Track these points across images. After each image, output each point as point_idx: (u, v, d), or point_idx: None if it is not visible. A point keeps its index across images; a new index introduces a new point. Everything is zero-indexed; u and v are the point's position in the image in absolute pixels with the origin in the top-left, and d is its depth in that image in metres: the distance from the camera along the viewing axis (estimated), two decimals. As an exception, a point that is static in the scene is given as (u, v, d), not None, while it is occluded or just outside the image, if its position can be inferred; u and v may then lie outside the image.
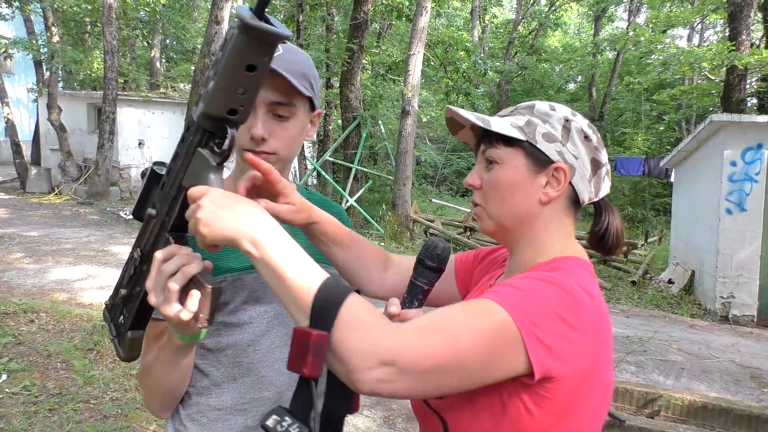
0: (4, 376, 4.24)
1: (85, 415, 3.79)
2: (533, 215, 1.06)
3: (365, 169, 15.27)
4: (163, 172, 0.97)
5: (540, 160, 1.04)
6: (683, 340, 6.59)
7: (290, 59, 1.16)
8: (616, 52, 26.07)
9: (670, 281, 9.58)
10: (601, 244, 1.11)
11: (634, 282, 9.47)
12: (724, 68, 14.51)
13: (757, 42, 18.18)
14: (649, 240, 14.10)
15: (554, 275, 0.94)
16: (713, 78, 17.06)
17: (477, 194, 1.10)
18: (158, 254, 0.91)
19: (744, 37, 14.37)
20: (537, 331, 0.86)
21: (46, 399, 3.98)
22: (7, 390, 4.05)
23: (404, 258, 1.30)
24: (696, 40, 28.63)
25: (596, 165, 1.06)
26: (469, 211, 13.29)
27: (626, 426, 3.58)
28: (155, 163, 1.00)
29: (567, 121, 1.05)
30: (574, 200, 1.08)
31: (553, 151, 1.04)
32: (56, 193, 15.29)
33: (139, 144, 16.53)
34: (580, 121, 1.06)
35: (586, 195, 1.07)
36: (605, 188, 1.09)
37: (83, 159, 16.48)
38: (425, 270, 1.12)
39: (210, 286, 0.88)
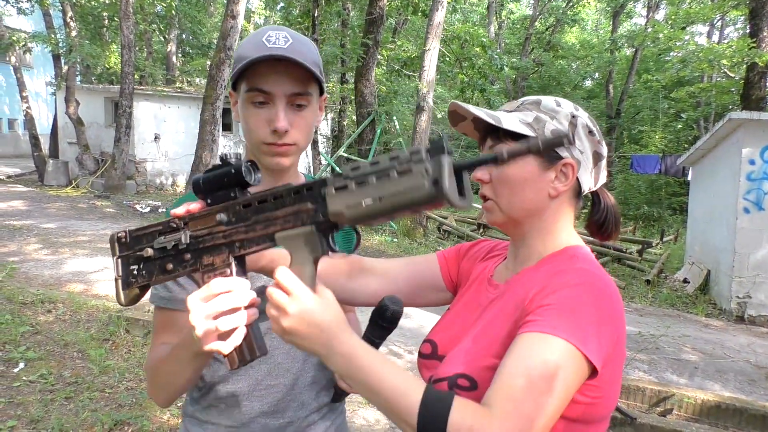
0: (21, 365, 4.31)
1: (100, 404, 3.85)
2: (542, 208, 1.10)
3: (379, 165, 15.27)
4: (251, 182, 0.92)
5: (550, 156, 1.07)
6: (698, 340, 6.54)
7: (302, 49, 1.16)
8: (634, 49, 25.79)
9: (685, 280, 9.49)
10: (601, 230, 1.16)
11: (648, 281, 9.40)
12: (744, 66, 14.31)
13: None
14: (664, 239, 13.98)
15: (577, 274, 0.99)
16: (733, 76, 16.84)
17: (486, 188, 1.14)
18: (217, 285, 0.88)
19: (765, 33, 14.16)
20: (590, 340, 0.91)
21: (62, 387, 4.04)
22: (24, 378, 4.11)
23: (378, 262, 1.30)
24: (716, 38, 28.27)
25: (597, 157, 1.10)
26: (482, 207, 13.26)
27: (638, 424, 3.56)
28: (228, 160, 0.93)
29: (573, 117, 1.08)
30: (577, 191, 1.12)
31: (562, 147, 1.06)
32: (73, 186, 15.46)
33: (155, 138, 16.67)
34: (584, 116, 1.10)
35: (587, 186, 1.12)
36: (603, 178, 1.14)
37: (100, 152, 16.66)
38: (376, 329, 1.20)
39: (256, 345, 0.91)
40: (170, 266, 0.96)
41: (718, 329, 7.28)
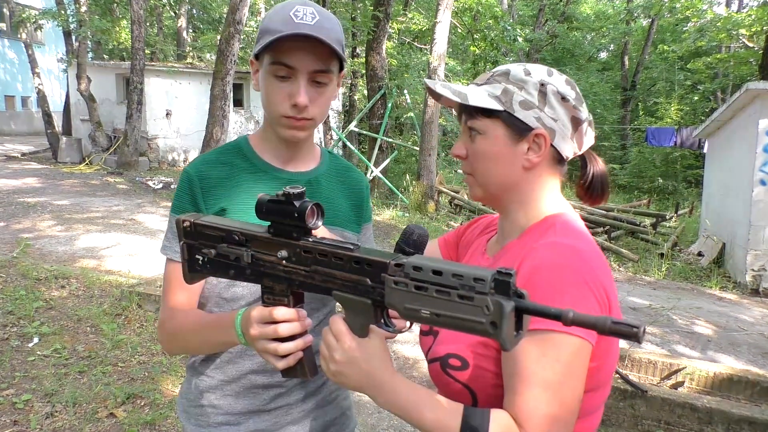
0: (36, 339, 4.37)
1: (113, 378, 3.90)
2: (519, 180, 1.09)
3: (390, 140, 15.20)
4: (311, 227, 0.94)
5: (519, 129, 1.05)
6: (711, 313, 6.49)
7: (327, 26, 1.19)
8: (650, 20, 25.28)
9: (699, 254, 9.41)
10: (587, 193, 1.14)
11: (662, 254, 9.33)
12: (764, 35, 13.98)
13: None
14: (679, 212, 13.83)
15: (549, 251, 0.97)
16: (752, 45, 16.47)
17: (464, 164, 1.13)
18: (280, 313, 0.99)
19: (785, 1, 13.81)
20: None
21: (76, 362, 4.09)
22: (38, 352, 4.17)
23: None
24: (735, 7, 27.59)
25: (576, 122, 1.07)
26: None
27: (649, 396, 3.55)
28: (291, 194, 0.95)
29: (543, 85, 1.05)
30: (559, 159, 1.10)
31: (532, 118, 1.04)
32: (87, 163, 15.55)
33: (167, 114, 16.66)
34: (557, 82, 1.06)
35: (570, 152, 1.09)
36: (588, 140, 1.11)
37: (113, 129, 16.70)
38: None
39: (308, 368, 1.03)
40: (232, 272, 1.02)
41: (732, 302, 7.21)
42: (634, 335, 0.67)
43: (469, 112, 1.09)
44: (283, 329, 0.99)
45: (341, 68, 1.29)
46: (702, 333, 5.75)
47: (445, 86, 1.09)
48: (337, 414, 1.45)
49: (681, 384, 3.99)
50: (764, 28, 13.61)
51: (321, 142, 17.49)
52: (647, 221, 11.10)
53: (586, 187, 1.14)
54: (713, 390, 3.95)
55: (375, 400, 0.96)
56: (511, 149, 1.06)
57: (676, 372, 4.02)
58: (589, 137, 1.11)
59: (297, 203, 0.93)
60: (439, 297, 0.76)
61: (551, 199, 1.11)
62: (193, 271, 1.06)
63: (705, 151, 11.68)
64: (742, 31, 15.03)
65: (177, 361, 4.16)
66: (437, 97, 1.12)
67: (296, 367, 1.03)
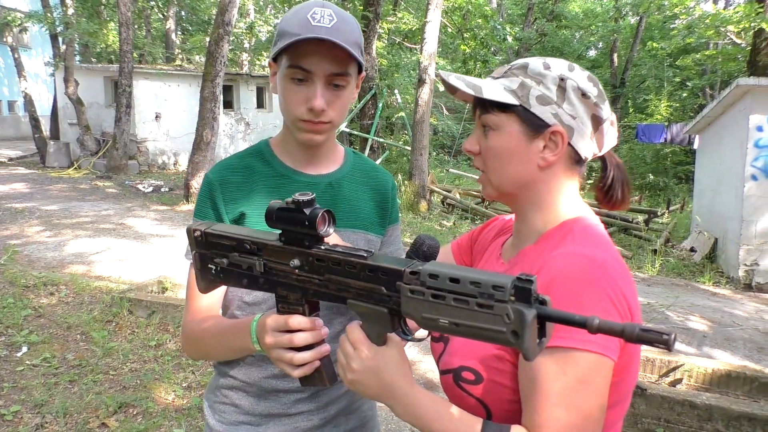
0: (24, 349, 4.29)
1: (104, 386, 3.83)
2: (534, 180, 1.03)
3: (382, 140, 15.16)
4: (322, 234, 0.92)
5: (535, 125, 0.99)
6: (705, 308, 6.49)
7: (345, 29, 1.18)
8: (638, 17, 25.38)
9: (692, 249, 9.42)
10: (606, 197, 1.08)
11: (655, 250, 9.33)
12: (751, 32, 14.05)
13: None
14: (670, 208, 13.88)
15: (568, 261, 0.92)
16: (739, 42, 16.55)
17: (477, 160, 1.08)
18: (296, 321, 0.98)
19: (773, -3, 13.88)
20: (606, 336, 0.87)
21: (66, 370, 4.02)
22: (27, 362, 4.10)
23: None
24: (722, 4, 27.75)
25: (597, 121, 1.01)
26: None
27: (648, 394, 3.52)
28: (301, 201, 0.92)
29: (562, 80, 0.99)
30: (577, 159, 1.04)
31: (549, 114, 0.99)
32: (75, 168, 15.40)
33: (156, 117, 16.55)
34: (578, 77, 1.00)
35: (589, 152, 1.04)
36: (609, 141, 1.05)
37: (101, 133, 16.55)
38: None
39: (326, 376, 1.03)
40: (245, 281, 1.01)
41: (726, 297, 7.22)
42: (664, 342, 0.63)
43: (483, 106, 1.03)
44: (299, 339, 0.98)
45: (360, 70, 1.27)
46: (697, 329, 5.74)
47: (459, 78, 1.04)
48: (360, 423, 1.43)
49: (679, 381, 3.97)
50: (752, 24, 13.66)
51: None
52: (640, 218, 11.11)
53: (605, 190, 1.08)
54: (712, 387, 3.93)
55: (393, 410, 0.93)
56: (526, 146, 1.01)
57: (674, 369, 4.01)
58: (611, 137, 1.05)
59: (307, 211, 0.90)
60: (458, 306, 0.73)
61: (569, 201, 1.05)
62: (206, 280, 1.06)
63: (695, 147, 11.70)
64: (730, 27, 15.07)
65: (170, 368, 4.10)
66: (453, 90, 1.07)
67: (314, 375, 1.02)
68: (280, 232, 0.95)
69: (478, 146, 1.06)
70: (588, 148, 1.03)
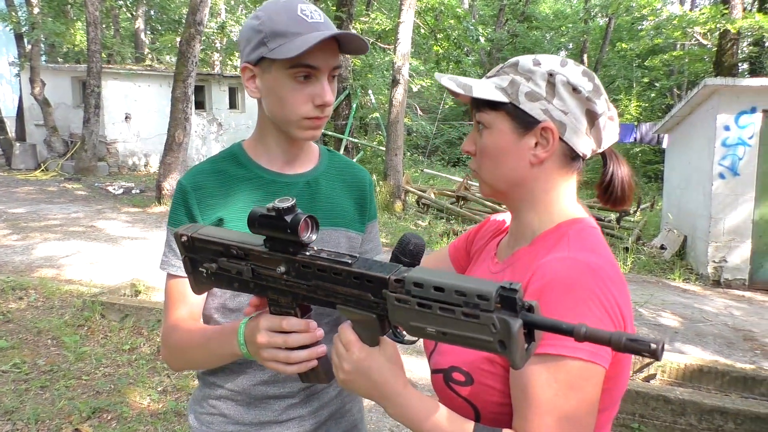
0: (-7, 354, 4.18)
1: (77, 392, 3.75)
2: (527, 178, 1.02)
3: (356, 140, 15.13)
4: (305, 242, 0.90)
5: (525, 122, 0.99)
6: (676, 305, 6.61)
7: (328, 22, 1.19)
8: (607, 18, 25.78)
9: (662, 247, 9.59)
10: (605, 195, 1.07)
11: (627, 248, 9.48)
12: (717, 33, 14.37)
13: (749, 6, 18.03)
14: (641, 206, 14.11)
15: (561, 266, 0.91)
16: (706, 43, 16.92)
17: (473, 160, 1.08)
18: (290, 323, 0.97)
19: (737, 1, 14.22)
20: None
21: (37, 376, 3.93)
22: (-4, 367, 3.99)
23: None
24: (687, 6, 28.34)
25: (592, 116, 0.99)
26: (461, 180, 13.22)
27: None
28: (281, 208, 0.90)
29: (551, 75, 0.98)
30: (573, 156, 1.02)
31: (538, 110, 0.98)
32: (43, 170, 15.08)
33: (126, 118, 16.28)
34: (569, 72, 0.98)
35: (587, 148, 1.01)
36: (609, 137, 1.03)
37: (69, 134, 16.23)
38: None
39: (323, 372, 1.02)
40: (236, 285, 1.00)
41: (696, 294, 7.37)
42: (651, 352, 0.62)
43: (477, 105, 1.03)
44: (293, 340, 0.98)
45: None
46: (669, 325, 5.85)
47: (451, 79, 1.04)
48: (349, 426, 1.42)
49: (653, 377, 4.04)
50: (717, 25, 13.97)
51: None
52: (612, 216, 11.27)
53: (604, 188, 1.06)
54: (684, 381, 4.01)
55: (386, 410, 0.93)
56: (517, 143, 1.00)
57: (648, 365, 4.07)
58: (611, 133, 1.03)
59: (288, 218, 0.88)
60: (444, 315, 0.73)
61: (565, 201, 1.04)
62: (198, 283, 1.05)
63: (664, 146, 11.92)
64: (697, 28, 15.39)
65: (144, 372, 4.03)
66: (455, 93, 1.06)
67: (312, 372, 1.02)
68: (264, 237, 0.94)
69: (474, 146, 1.06)
70: (584, 144, 1.01)
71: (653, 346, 0.62)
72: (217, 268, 1.00)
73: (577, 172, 1.05)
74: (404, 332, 0.88)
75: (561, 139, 0.99)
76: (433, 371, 1.04)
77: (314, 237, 0.90)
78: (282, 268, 0.92)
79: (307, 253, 0.90)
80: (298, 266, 0.91)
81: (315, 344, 1.00)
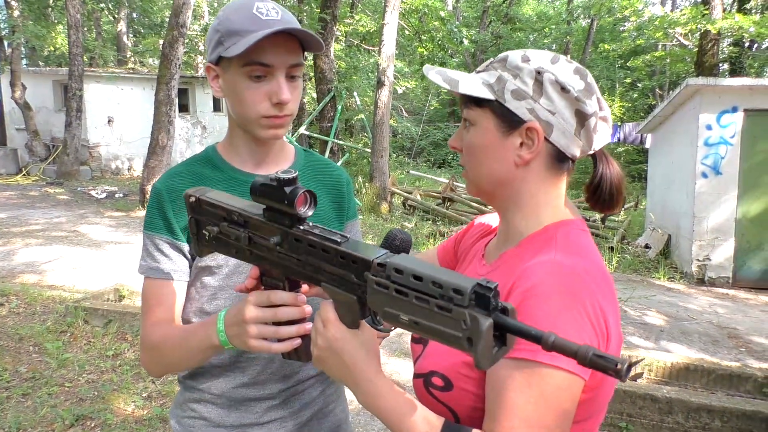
0: (-27, 362, 4.10)
1: (60, 399, 3.69)
2: (512, 178, 0.99)
3: (341, 142, 15.10)
4: (301, 216, 0.90)
5: (510, 121, 0.96)
6: (661, 303, 6.66)
7: (290, 19, 1.18)
8: (590, 20, 25.98)
9: (646, 246, 9.66)
10: (594, 198, 1.03)
11: (612, 248, 9.54)
12: (698, 33, 14.52)
13: (728, 7, 18.25)
14: (625, 206, 14.21)
15: (546, 271, 0.88)
16: (687, 44, 17.10)
17: (461, 157, 1.05)
18: (277, 297, 0.96)
19: (716, 1, 14.39)
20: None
21: (18, 384, 3.86)
22: (-23, 376, 3.92)
23: None
24: (668, 7, 28.64)
25: (582, 117, 0.95)
26: (446, 182, 13.23)
27: (610, 390, 3.58)
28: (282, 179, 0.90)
29: (539, 73, 0.94)
30: (561, 157, 0.98)
31: (524, 109, 0.94)
32: (24, 174, 14.89)
33: (109, 121, 16.12)
34: (559, 70, 0.94)
35: (576, 149, 0.97)
36: (601, 138, 0.99)
37: (51, 138, 16.05)
38: None
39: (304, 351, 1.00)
40: (234, 251, 1.01)
41: (680, 292, 7.43)
42: (616, 372, 0.60)
43: (464, 101, 1.00)
44: (283, 312, 0.96)
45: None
46: (654, 323, 5.88)
47: (439, 72, 1.01)
48: (333, 426, 1.40)
49: (640, 375, 4.05)
50: (698, 26, 14.12)
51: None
52: (597, 216, 11.34)
53: (593, 190, 1.02)
54: (671, 380, 4.02)
55: (356, 397, 0.91)
56: (501, 143, 0.97)
57: (635, 364, 4.08)
58: (602, 134, 0.99)
59: (287, 189, 0.88)
60: (419, 304, 0.72)
61: (553, 203, 1.01)
62: (201, 246, 1.07)
63: (647, 146, 12.02)
64: (678, 29, 15.55)
65: (129, 378, 3.97)
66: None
67: (293, 351, 1.02)
68: (264, 207, 0.95)
69: (460, 142, 1.03)
70: (573, 145, 0.97)
71: (619, 365, 0.60)
72: (217, 232, 1.01)
73: (566, 173, 1.02)
74: (381, 319, 0.87)
75: (547, 139, 0.96)
76: (414, 376, 1.02)
77: (310, 212, 0.90)
78: (276, 239, 0.92)
79: (301, 227, 0.90)
80: (291, 239, 0.91)
81: (302, 320, 0.99)
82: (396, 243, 1.10)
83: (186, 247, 1.24)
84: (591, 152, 1.01)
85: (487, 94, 0.96)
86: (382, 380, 0.89)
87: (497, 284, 0.67)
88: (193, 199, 1.04)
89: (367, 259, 0.80)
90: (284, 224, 0.91)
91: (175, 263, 1.24)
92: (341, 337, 0.88)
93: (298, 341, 0.99)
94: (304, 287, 1.00)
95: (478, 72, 1.01)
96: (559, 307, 0.84)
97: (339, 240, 0.85)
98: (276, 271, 0.97)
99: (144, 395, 3.78)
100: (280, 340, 0.99)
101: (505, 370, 0.85)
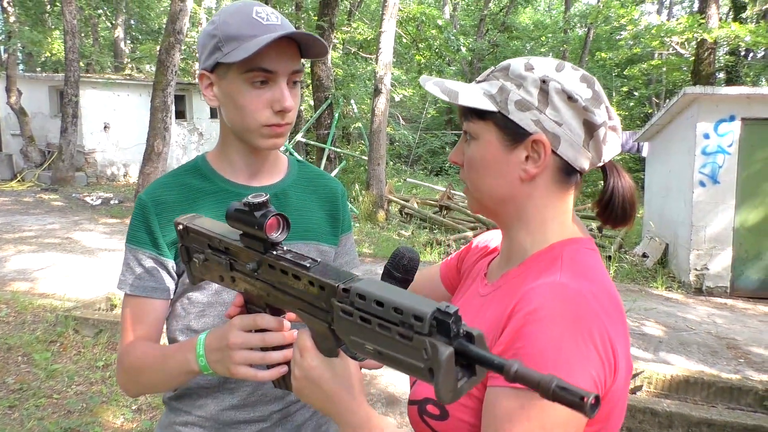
0: (-40, 373, 4.03)
1: (47, 411, 3.61)
2: (517, 194, 0.93)
3: (338, 150, 15.07)
4: (274, 241, 0.87)
5: (515, 133, 0.89)
6: (659, 313, 6.60)
7: (288, 24, 1.15)
8: (586, 28, 26.07)
9: (644, 255, 9.62)
10: (606, 213, 0.96)
11: (609, 257, 9.50)
12: (694, 42, 14.55)
13: (724, 17, 18.33)
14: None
15: (550, 294, 0.82)
16: (683, 52, 17.14)
17: (462, 171, 0.99)
18: (263, 321, 0.92)
19: (713, 10, 14.43)
20: (583, 383, 0.77)
21: (5, 395, 3.78)
22: (-37, 387, 3.84)
23: None
24: (665, 16, 28.77)
25: (590, 127, 0.89)
26: (443, 190, 13.19)
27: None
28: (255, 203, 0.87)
29: (544, 82, 0.88)
30: (568, 170, 0.92)
31: (529, 121, 0.88)
32: (19, 180, 14.81)
33: (105, 127, 16.07)
34: (565, 78, 0.89)
35: (585, 162, 0.91)
36: (611, 149, 0.93)
37: (46, 144, 15.98)
38: (391, 281, 1.07)
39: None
40: (220, 278, 0.99)
41: (679, 302, 7.38)
42: (579, 406, 0.54)
43: (464, 113, 0.94)
44: (271, 337, 0.93)
45: None
46: (653, 334, 5.83)
47: (436, 84, 0.95)
48: None
49: (639, 388, 3.99)
50: (695, 35, 14.15)
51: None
52: (593, 224, 11.31)
53: (604, 205, 0.96)
54: (671, 393, 3.96)
55: (339, 429, 0.86)
56: (505, 157, 0.90)
57: (634, 377, 4.02)
58: (612, 145, 0.93)
59: (257, 214, 0.84)
60: (381, 332, 0.67)
61: (560, 219, 0.94)
62: (193, 273, 1.05)
63: (644, 154, 12.00)
64: (675, 38, 15.57)
65: (118, 390, 3.89)
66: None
67: (281, 379, 0.98)
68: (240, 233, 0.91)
69: (461, 156, 0.97)
70: (581, 157, 0.91)
71: (583, 400, 0.54)
72: (204, 260, 0.99)
73: (573, 187, 0.95)
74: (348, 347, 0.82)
75: (554, 152, 0.90)
76: (409, 402, 0.95)
77: (282, 237, 0.87)
78: (252, 265, 0.89)
79: (275, 252, 0.86)
80: (266, 265, 0.88)
81: (289, 346, 0.94)
82: (404, 262, 1.05)
83: (171, 263, 1.19)
84: (600, 164, 0.95)
85: (489, 106, 0.90)
86: (365, 411, 0.84)
87: (457, 309, 0.61)
88: (181, 226, 1.01)
89: (333, 284, 0.75)
90: (259, 250, 0.88)
91: (158, 280, 1.18)
92: (317, 365, 0.84)
93: (285, 368, 0.95)
94: (290, 314, 0.95)
95: (479, 82, 0.95)
96: (564, 334, 0.78)
97: (308, 265, 0.81)
98: (257, 299, 0.93)
99: (134, 408, 3.70)
100: (268, 367, 0.95)
101: (504, 401, 0.79)
